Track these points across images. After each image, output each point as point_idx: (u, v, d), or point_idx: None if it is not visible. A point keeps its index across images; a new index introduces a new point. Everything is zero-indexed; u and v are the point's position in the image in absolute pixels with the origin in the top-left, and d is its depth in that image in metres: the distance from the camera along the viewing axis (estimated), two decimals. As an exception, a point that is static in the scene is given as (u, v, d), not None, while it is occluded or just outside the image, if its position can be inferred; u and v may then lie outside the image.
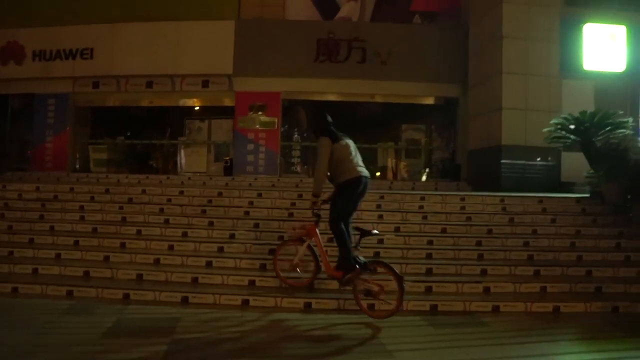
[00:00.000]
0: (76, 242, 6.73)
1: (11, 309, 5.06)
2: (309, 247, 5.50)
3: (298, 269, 5.60)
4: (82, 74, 14.00)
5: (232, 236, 6.80)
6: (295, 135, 14.28)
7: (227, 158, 13.79)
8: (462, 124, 13.59)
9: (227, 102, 13.94)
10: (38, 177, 13.05)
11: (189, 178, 13.01)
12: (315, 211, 5.36)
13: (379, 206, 7.51)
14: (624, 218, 7.61)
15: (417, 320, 4.89)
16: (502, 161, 11.20)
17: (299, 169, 14.27)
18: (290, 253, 5.73)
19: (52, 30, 13.97)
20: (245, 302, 5.23)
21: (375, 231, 5.60)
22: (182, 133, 14.50)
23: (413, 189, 12.25)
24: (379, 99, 14.11)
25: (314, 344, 4.21)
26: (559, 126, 9.55)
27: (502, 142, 11.23)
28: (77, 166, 14.35)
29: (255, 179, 12.78)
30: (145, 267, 6.11)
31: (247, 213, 7.46)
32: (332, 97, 13.92)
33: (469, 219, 7.29)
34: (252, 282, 5.70)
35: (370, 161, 14.50)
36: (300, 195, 7.97)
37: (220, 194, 8.01)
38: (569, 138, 9.23)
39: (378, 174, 14.15)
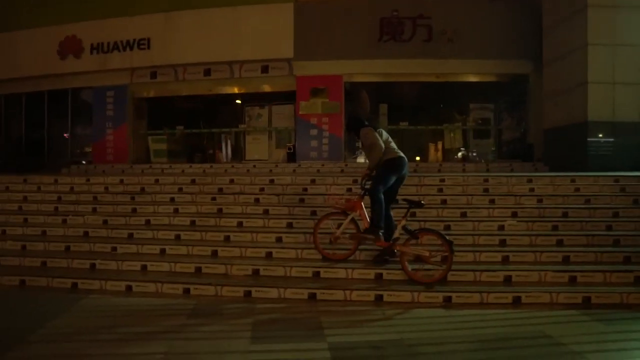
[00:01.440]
0: (177, 237, 6.51)
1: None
2: (353, 220, 5.64)
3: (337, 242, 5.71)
4: (139, 64, 13.88)
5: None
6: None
7: (290, 145, 13.48)
8: (534, 102, 12.92)
9: (288, 87, 13.58)
10: (103, 169, 13.07)
11: (254, 166, 12.78)
12: (364, 185, 5.65)
13: (486, 190, 7.03)
14: None
15: (576, 315, 4.45)
16: (589, 139, 10.53)
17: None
18: (328, 227, 5.81)
19: (109, 23, 13.86)
20: (379, 298, 4.87)
21: (423, 202, 5.55)
22: (242, 120, 14.22)
23: (488, 170, 11.76)
24: (445, 79, 13.51)
25: (492, 344, 3.77)
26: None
27: (589, 118, 10.56)
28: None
29: (323, 165, 12.45)
30: (260, 261, 5.85)
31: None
32: (396, 78, 13.40)
33: (587, 201, 6.76)
34: (379, 276, 5.35)
35: (436, 142, 14.17)
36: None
37: (313, 181, 7.70)
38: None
39: (441, 156, 13.63)
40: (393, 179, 5.58)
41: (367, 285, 5.07)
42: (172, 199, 7.45)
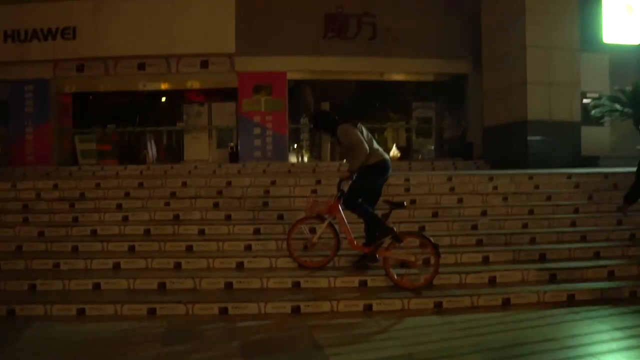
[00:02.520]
0: (131, 248, 5.85)
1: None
2: (330, 224, 5.27)
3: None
4: (64, 56, 12.62)
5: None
6: (303, 117, 13.55)
7: (232, 144, 12.91)
8: (473, 101, 13.30)
9: (229, 83, 12.97)
10: (24, 172, 11.71)
11: (196, 167, 12.05)
12: (341, 187, 5.24)
13: (452, 189, 7.01)
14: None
15: (567, 314, 4.44)
16: (529, 138, 10.98)
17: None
18: (302, 232, 5.45)
19: (27, 7, 12.45)
20: (368, 307, 4.60)
21: (405, 203, 5.41)
22: (180, 118, 13.41)
23: (433, 169, 11.92)
24: (388, 77, 13.57)
25: (507, 352, 3.64)
26: (599, 100, 9.40)
27: (528, 117, 11.00)
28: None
29: (268, 165, 12.01)
30: (231, 272, 5.35)
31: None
32: (340, 76, 13.27)
33: (549, 198, 6.94)
34: (363, 283, 5.07)
35: (381, 141, 14.20)
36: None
37: (273, 183, 7.28)
38: (616, 110, 9.08)
39: (398, 154, 13.71)
40: (376, 184, 5.28)
41: (354, 295, 4.80)
42: (120, 205, 6.72)
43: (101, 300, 4.82)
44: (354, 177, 5.19)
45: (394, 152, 13.96)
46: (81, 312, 4.70)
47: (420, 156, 13.62)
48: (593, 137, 11.61)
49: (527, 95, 11.01)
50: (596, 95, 11.45)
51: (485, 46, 12.49)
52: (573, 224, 6.34)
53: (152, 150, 13.94)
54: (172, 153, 13.63)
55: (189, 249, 5.76)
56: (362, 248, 5.19)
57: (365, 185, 5.17)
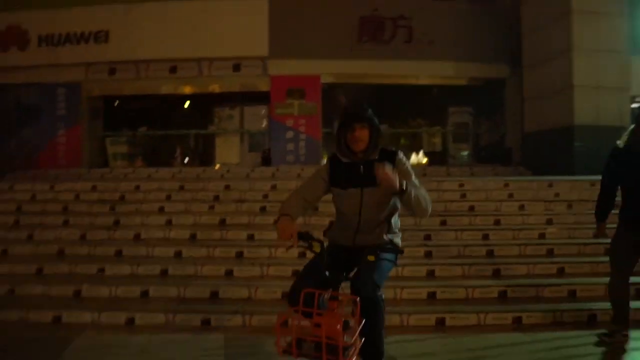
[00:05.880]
0: (178, 254, 5.55)
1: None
2: None
3: None
4: (96, 59, 12.51)
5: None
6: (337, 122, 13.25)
7: (265, 148, 12.65)
8: (510, 106, 12.88)
9: (261, 87, 12.73)
10: (56, 174, 11.59)
11: (228, 170, 11.78)
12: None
13: (510, 195, 6.60)
14: None
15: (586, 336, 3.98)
16: (576, 143, 10.50)
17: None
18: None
19: (61, 12, 12.39)
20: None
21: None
22: (212, 122, 13.22)
23: (472, 174, 11.49)
24: (424, 81, 13.21)
25: None
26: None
27: (575, 122, 10.53)
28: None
29: (302, 169, 11.69)
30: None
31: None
32: (375, 80, 12.94)
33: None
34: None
35: (415, 147, 13.86)
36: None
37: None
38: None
39: (425, 160, 13.32)
40: None
41: None
42: (162, 209, 6.46)
43: (151, 308, 4.55)
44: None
45: (421, 157, 13.59)
46: (130, 321, 4.42)
47: (458, 161, 13.19)
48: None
49: (574, 99, 10.54)
50: (647, 99, 10.95)
51: (526, 49, 12.08)
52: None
53: (183, 153, 13.79)
54: (203, 156, 13.43)
55: (239, 255, 5.44)
56: None
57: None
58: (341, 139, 2.84)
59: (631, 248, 3.74)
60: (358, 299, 2.43)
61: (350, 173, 2.77)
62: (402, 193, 2.60)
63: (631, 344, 3.71)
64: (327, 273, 2.53)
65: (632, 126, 3.93)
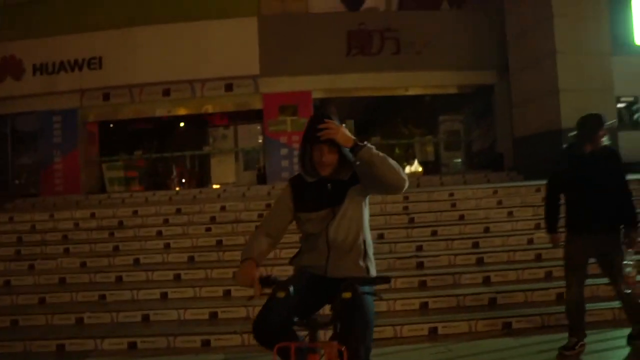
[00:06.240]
0: (177, 277, 5.69)
1: None
2: None
3: None
4: (90, 86, 12.74)
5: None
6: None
7: (260, 166, 12.82)
8: (500, 112, 13.08)
9: (254, 105, 12.95)
10: (54, 202, 11.75)
11: (224, 190, 11.96)
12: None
13: (499, 202, 6.75)
14: None
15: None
16: (564, 146, 10.64)
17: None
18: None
19: (54, 41, 12.64)
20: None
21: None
22: (206, 142, 13.40)
23: (465, 182, 11.64)
24: (413, 91, 13.43)
25: None
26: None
27: (562, 125, 10.70)
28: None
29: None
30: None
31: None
32: (366, 92, 13.17)
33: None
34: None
35: (408, 156, 14.04)
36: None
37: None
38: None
39: (420, 169, 13.48)
40: None
41: None
42: (160, 233, 6.61)
43: (152, 332, 4.68)
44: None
45: (416, 167, 13.75)
46: (132, 345, 4.55)
47: (450, 169, 13.35)
48: (634, 142, 11.25)
49: (560, 103, 10.74)
50: (631, 99, 11.15)
51: (512, 55, 12.32)
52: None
53: (179, 174, 13.94)
54: (199, 177, 13.59)
55: (236, 275, 5.57)
56: None
57: None
58: (306, 155, 2.54)
59: (582, 254, 3.79)
60: (344, 348, 2.10)
61: (317, 192, 2.47)
62: (357, 148, 2.28)
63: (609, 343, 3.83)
64: (295, 319, 2.20)
65: (575, 132, 4.05)
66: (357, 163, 2.32)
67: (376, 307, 2.44)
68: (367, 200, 2.56)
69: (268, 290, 2.26)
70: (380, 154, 2.31)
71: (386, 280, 2.33)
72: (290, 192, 2.59)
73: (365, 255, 2.50)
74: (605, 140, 3.92)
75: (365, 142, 2.33)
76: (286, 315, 2.22)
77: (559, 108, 10.74)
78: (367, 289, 2.34)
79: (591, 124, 3.98)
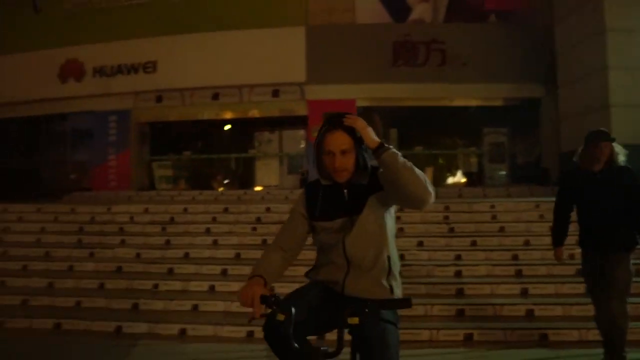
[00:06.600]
0: (224, 272, 6.00)
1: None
2: None
3: None
4: (144, 88, 13.42)
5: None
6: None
7: (304, 170, 13.13)
8: (546, 126, 12.90)
9: (299, 111, 13.29)
10: (108, 197, 12.41)
11: (268, 192, 12.31)
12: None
13: (542, 216, 6.74)
14: None
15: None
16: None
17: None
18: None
19: (113, 46, 13.41)
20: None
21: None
22: (252, 145, 13.83)
23: (509, 195, 11.56)
24: (458, 102, 13.44)
25: None
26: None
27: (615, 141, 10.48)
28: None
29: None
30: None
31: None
32: (409, 103, 13.27)
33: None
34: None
35: (451, 167, 14.01)
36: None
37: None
38: None
39: (463, 180, 13.45)
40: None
41: None
42: (208, 230, 6.97)
43: (201, 321, 4.98)
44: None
45: (459, 178, 13.69)
46: (182, 332, 4.87)
47: (494, 182, 13.26)
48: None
49: (610, 118, 10.54)
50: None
51: (561, 67, 12.14)
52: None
53: (224, 175, 14.43)
54: (244, 179, 14.01)
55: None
56: None
57: None
58: (321, 163, 2.31)
59: (598, 269, 3.73)
60: None
61: (333, 199, 2.22)
62: (381, 148, 2.05)
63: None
64: (295, 345, 1.87)
65: (582, 147, 3.98)
66: (380, 170, 2.10)
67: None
68: (392, 210, 2.26)
69: (266, 312, 2.05)
70: (407, 162, 2.05)
71: (407, 303, 1.91)
72: (304, 198, 2.33)
73: (389, 273, 2.19)
74: (621, 160, 3.85)
75: (391, 146, 2.12)
76: (288, 337, 1.89)
77: (610, 124, 10.53)
78: (389, 315, 2.03)
79: (590, 138, 3.95)
